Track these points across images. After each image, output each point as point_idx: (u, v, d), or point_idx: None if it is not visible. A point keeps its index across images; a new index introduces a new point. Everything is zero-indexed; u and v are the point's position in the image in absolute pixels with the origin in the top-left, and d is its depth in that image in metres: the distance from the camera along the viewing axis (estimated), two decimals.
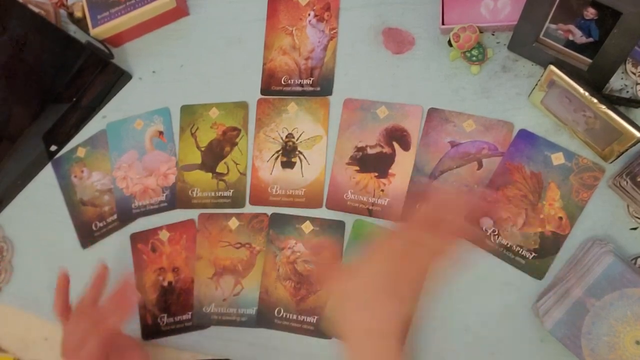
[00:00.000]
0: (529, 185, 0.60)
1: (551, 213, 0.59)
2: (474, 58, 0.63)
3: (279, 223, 0.68)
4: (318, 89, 0.70)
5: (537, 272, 0.59)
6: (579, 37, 0.56)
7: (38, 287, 0.76)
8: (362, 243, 0.64)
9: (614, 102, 0.58)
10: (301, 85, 0.70)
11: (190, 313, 0.69)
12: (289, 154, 0.69)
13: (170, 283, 0.71)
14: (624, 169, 0.56)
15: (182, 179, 0.73)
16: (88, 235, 0.75)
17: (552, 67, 0.56)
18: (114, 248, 0.74)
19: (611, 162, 0.58)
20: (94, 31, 0.75)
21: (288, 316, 0.66)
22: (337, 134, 0.68)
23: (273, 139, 0.70)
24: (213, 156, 0.72)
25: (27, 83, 0.75)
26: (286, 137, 0.70)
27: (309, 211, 0.67)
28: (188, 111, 0.74)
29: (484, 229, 0.61)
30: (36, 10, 0.77)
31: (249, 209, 0.70)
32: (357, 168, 0.66)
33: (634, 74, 0.59)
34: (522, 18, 0.58)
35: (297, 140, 0.69)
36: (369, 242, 0.49)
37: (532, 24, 0.58)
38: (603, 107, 0.54)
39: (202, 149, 0.73)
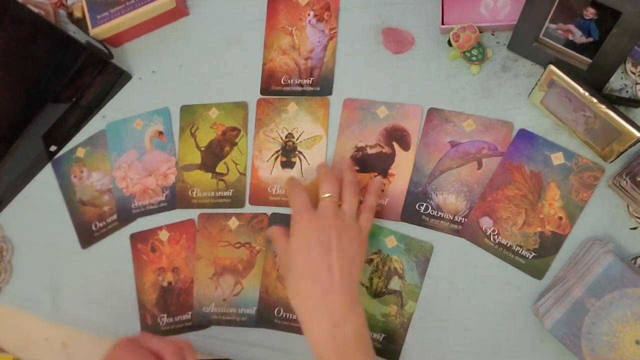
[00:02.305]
0: (529, 185, 0.60)
1: (551, 213, 0.59)
2: (474, 58, 0.63)
3: (278, 223, 0.68)
4: (318, 89, 0.70)
5: (537, 272, 0.59)
6: (578, 36, 0.56)
7: (38, 287, 0.76)
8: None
9: (614, 101, 0.58)
10: (301, 85, 0.70)
11: (190, 313, 0.69)
12: (288, 153, 0.69)
13: (170, 283, 0.71)
14: (623, 169, 0.56)
15: (182, 179, 0.73)
16: (88, 235, 0.75)
17: (552, 67, 0.56)
18: (114, 248, 0.74)
19: (611, 162, 0.58)
20: (93, 31, 0.75)
21: (288, 316, 0.66)
22: (337, 134, 0.68)
23: (273, 139, 0.70)
24: (213, 156, 0.72)
25: (27, 83, 0.75)
26: (286, 137, 0.70)
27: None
28: (188, 111, 0.74)
29: (483, 228, 0.61)
30: (36, 10, 0.77)
31: (248, 208, 0.70)
32: (357, 168, 0.66)
33: (634, 73, 0.59)
34: (521, 18, 0.58)
35: (296, 140, 0.69)
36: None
37: (531, 23, 0.58)
38: (603, 107, 0.54)
39: (202, 149, 0.73)
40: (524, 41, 0.60)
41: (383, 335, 0.62)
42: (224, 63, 0.74)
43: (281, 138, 0.70)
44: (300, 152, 0.69)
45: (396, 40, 0.68)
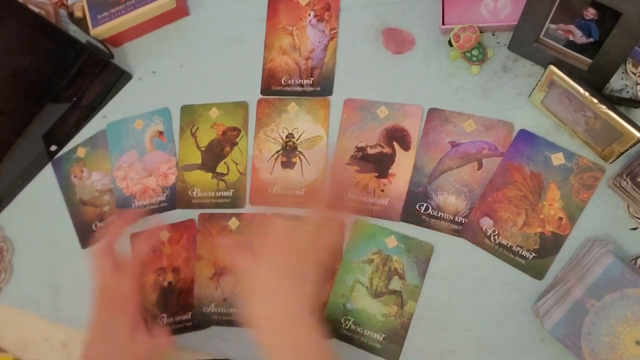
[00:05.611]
0: (529, 185, 0.60)
1: (551, 213, 0.59)
2: (474, 58, 0.63)
3: None
4: (318, 89, 0.70)
5: (537, 273, 0.59)
6: (579, 37, 0.56)
7: (38, 287, 0.76)
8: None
9: (614, 102, 0.58)
10: (301, 85, 0.70)
11: (190, 313, 0.69)
12: (289, 154, 0.69)
13: (170, 283, 0.71)
14: (624, 169, 0.56)
15: (182, 179, 0.73)
16: (88, 235, 0.75)
17: (553, 67, 0.56)
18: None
19: (611, 163, 0.58)
20: (94, 31, 0.75)
21: None
22: (338, 134, 0.68)
23: (273, 139, 0.70)
24: (213, 156, 0.72)
25: (27, 83, 0.75)
26: (286, 137, 0.70)
27: (309, 211, 0.67)
28: (188, 111, 0.74)
29: (484, 229, 0.61)
30: (36, 10, 0.77)
31: (249, 209, 0.70)
32: (357, 168, 0.66)
33: (634, 74, 0.59)
34: (522, 18, 0.58)
35: (297, 140, 0.69)
36: (267, 234, 0.54)
37: (532, 24, 0.58)
38: (603, 107, 0.54)
39: (202, 149, 0.73)
40: (525, 41, 0.60)
41: (383, 335, 0.62)
42: (224, 63, 0.74)
43: (281, 138, 0.70)
44: (301, 152, 0.69)
45: (396, 40, 0.68)
